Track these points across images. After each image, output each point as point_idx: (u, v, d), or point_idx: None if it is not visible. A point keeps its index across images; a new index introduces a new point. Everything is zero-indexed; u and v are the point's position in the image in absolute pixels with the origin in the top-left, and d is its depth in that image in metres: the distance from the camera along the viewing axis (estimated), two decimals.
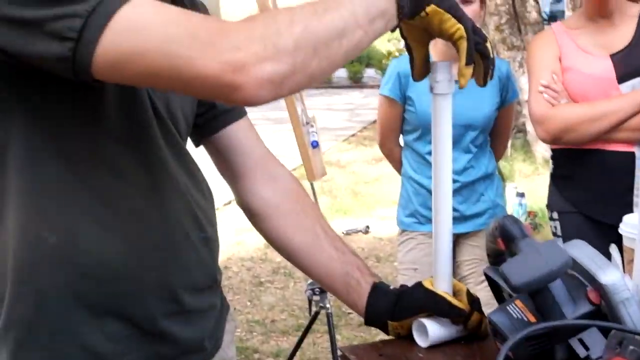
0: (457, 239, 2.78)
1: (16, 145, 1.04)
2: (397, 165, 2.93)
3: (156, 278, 1.13)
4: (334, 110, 13.07)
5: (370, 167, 8.08)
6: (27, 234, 1.06)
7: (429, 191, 2.73)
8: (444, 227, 1.22)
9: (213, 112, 1.34)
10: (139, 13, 0.93)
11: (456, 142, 2.63)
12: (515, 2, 7.69)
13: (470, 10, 2.62)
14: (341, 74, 18.03)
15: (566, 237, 2.46)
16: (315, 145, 2.39)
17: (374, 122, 11.31)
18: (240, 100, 0.95)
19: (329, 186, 7.19)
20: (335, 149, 9.41)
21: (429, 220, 2.73)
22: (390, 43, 26.32)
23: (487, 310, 1.22)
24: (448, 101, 1.18)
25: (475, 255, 2.79)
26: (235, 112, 1.37)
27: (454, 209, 2.52)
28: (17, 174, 1.05)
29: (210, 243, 1.25)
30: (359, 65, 18.24)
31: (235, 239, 5.36)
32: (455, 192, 2.63)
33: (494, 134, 2.85)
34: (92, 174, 1.08)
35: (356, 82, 17.27)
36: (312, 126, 2.50)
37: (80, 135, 1.05)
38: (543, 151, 7.68)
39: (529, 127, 7.74)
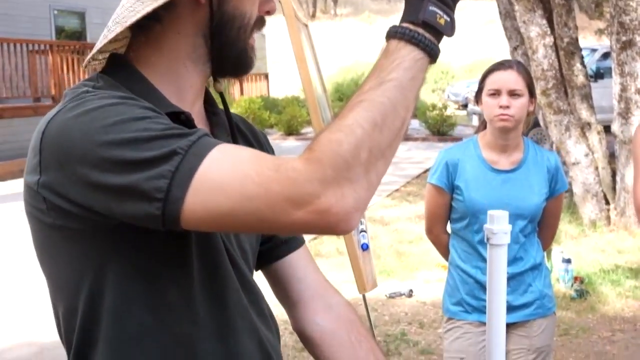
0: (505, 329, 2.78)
1: (110, 295, 1.11)
2: (444, 252, 2.95)
3: None
4: None
5: (414, 225, 8.07)
6: None
7: (476, 281, 2.75)
8: None
9: (274, 241, 1.40)
10: (217, 170, 0.98)
11: None
12: (562, 66, 7.70)
13: (519, 103, 2.67)
14: None
15: None
16: (365, 247, 2.31)
17: (418, 176, 11.41)
18: (335, 233, 1.00)
19: (372, 245, 7.17)
20: (379, 205, 9.42)
21: (475, 309, 2.74)
22: (435, 94, 26.45)
23: None
24: (504, 251, 1.21)
25: (522, 345, 2.78)
26: (295, 242, 1.42)
27: None
28: (108, 321, 1.11)
29: None
30: None
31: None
32: None
33: (542, 224, 2.86)
34: (175, 321, 1.14)
35: None
36: (361, 223, 2.42)
37: (168, 284, 1.12)
38: (590, 213, 7.63)
39: (576, 188, 7.69)
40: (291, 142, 17.15)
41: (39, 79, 14.51)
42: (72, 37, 17.16)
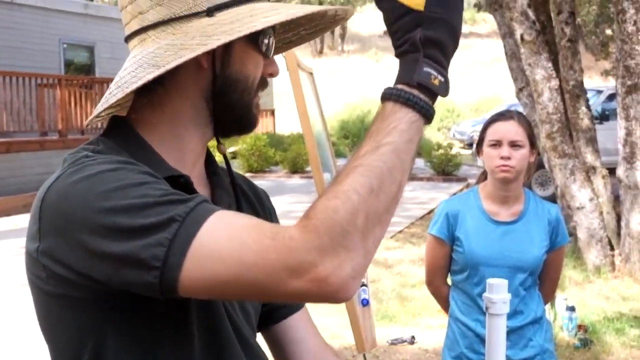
0: None
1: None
2: (444, 304, 2.92)
3: None
4: None
5: (417, 268, 8.01)
6: None
7: (476, 334, 2.70)
8: None
9: (275, 304, 1.39)
10: (215, 238, 0.97)
11: None
12: (567, 109, 7.70)
13: (519, 154, 2.66)
14: None
15: None
16: (365, 303, 2.21)
17: (422, 217, 11.34)
18: (334, 302, 0.99)
19: (374, 288, 7.13)
20: (383, 246, 9.35)
21: None
22: (440, 132, 26.51)
23: None
24: (503, 321, 1.18)
25: None
26: (295, 305, 1.41)
27: None
28: None
29: None
30: None
31: None
32: None
33: (543, 277, 2.83)
34: None
35: None
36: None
37: (168, 352, 1.11)
38: (594, 258, 7.56)
39: (580, 233, 7.64)
40: (296, 180, 17.15)
41: (46, 113, 14.61)
42: (81, 71, 17.31)
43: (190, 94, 1.17)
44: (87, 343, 1.09)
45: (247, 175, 17.90)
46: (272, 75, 1.22)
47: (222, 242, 0.97)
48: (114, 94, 1.13)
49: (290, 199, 13.29)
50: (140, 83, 1.08)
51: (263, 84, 1.21)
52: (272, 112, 24.09)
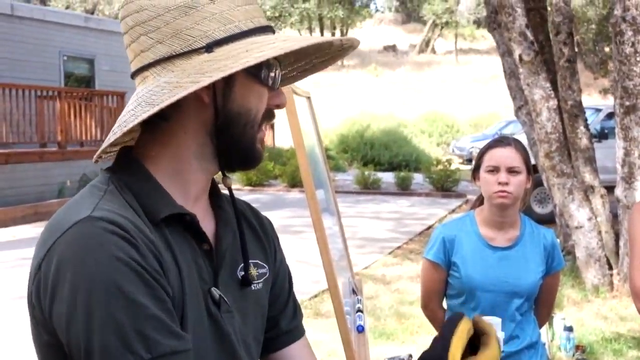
0: None
1: None
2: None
3: None
4: (380, 219, 13.06)
5: (416, 284, 7.99)
6: None
7: None
8: None
9: (275, 331, 1.39)
10: None
11: (502, 310, 2.64)
12: (565, 128, 7.71)
13: (516, 180, 2.66)
14: (389, 179, 18.12)
15: None
16: (361, 330, 2.18)
17: (421, 233, 11.31)
18: None
19: (372, 305, 7.13)
20: (381, 262, 9.35)
21: None
22: (439, 148, 26.53)
23: None
24: None
25: None
26: (296, 332, 1.41)
27: None
28: None
29: None
30: (407, 171, 18.31)
31: None
32: None
33: (538, 302, 2.84)
34: None
35: (404, 189, 17.30)
36: (358, 302, 2.29)
37: None
38: (592, 278, 7.56)
39: (579, 252, 7.64)
40: (295, 194, 17.14)
41: (46, 124, 14.59)
42: (81, 83, 17.32)
43: (193, 129, 1.17)
44: None
45: (246, 188, 17.89)
46: (279, 106, 1.22)
47: None
48: (114, 132, 1.14)
49: (289, 212, 13.28)
50: (136, 121, 1.10)
51: (269, 115, 1.21)
52: (272, 126, 24.08)
